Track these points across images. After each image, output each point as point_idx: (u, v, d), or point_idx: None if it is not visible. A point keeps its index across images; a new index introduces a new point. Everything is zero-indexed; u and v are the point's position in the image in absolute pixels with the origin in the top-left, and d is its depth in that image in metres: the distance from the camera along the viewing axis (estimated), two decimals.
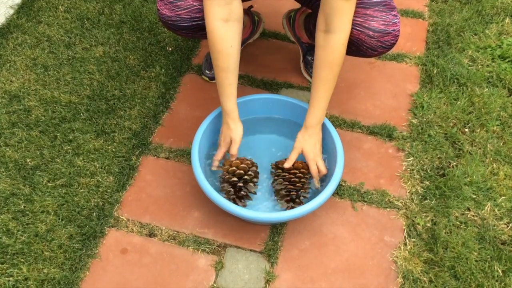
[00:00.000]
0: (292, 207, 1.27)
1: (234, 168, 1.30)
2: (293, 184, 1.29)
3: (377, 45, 1.28)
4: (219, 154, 1.33)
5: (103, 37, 1.85)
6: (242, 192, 1.30)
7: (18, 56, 1.78)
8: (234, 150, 1.31)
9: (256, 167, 1.36)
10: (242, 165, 1.31)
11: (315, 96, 1.26)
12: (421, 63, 1.75)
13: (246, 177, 1.31)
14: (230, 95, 1.28)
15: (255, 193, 1.33)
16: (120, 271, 1.26)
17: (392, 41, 1.28)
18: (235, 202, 1.26)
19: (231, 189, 1.29)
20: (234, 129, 1.30)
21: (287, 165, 1.30)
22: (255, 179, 1.33)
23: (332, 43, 1.19)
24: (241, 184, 1.29)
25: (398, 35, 1.28)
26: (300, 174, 1.31)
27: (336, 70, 1.23)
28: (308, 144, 1.30)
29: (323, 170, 1.30)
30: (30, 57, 1.78)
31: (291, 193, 1.28)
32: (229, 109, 1.29)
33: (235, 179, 1.29)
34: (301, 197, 1.30)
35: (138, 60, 1.76)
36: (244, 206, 1.30)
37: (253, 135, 1.47)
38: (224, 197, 1.27)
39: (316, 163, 1.30)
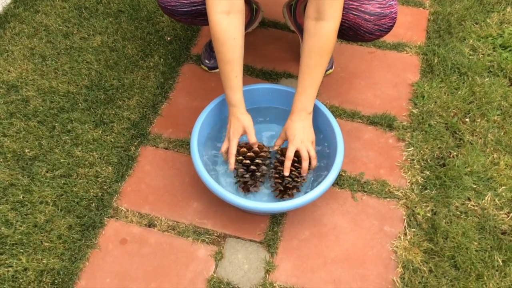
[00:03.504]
0: (281, 197, 1.27)
1: (252, 154, 1.30)
2: (278, 173, 1.29)
3: (374, 28, 1.27)
4: (233, 148, 1.26)
5: (101, 26, 1.83)
6: (252, 181, 1.30)
7: (15, 45, 1.77)
8: (253, 138, 1.28)
9: (267, 151, 1.35)
10: (262, 153, 1.31)
11: (303, 83, 1.25)
12: (421, 52, 1.74)
13: (257, 164, 1.30)
14: (237, 87, 1.27)
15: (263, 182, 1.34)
16: (120, 261, 1.26)
17: (390, 24, 1.27)
18: (247, 189, 1.28)
19: (247, 176, 1.29)
20: (245, 120, 1.28)
21: (272, 149, 1.30)
22: (265, 166, 1.33)
23: (324, 30, 1.18)
24: (257, 174, 1.29)
25: (396, 17, 1.27)
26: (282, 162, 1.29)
27: (326, 57, 1.22)
28: (292, 128, 1.26)
29: (313, 155, 1.26)
30: (27, 46, 1.77)
31: (279, 185, 1.28)
32: (237, 102, 1.28)
33: (253, 167, 1.29)
34: (292, 189, 1.29)
35: (137, 50, 1.75)
36: (256, 190, 1.31)
37: (254, 125, 1.46)
38: (238, 180, 1.30)
39: (300, 149, 1.25)
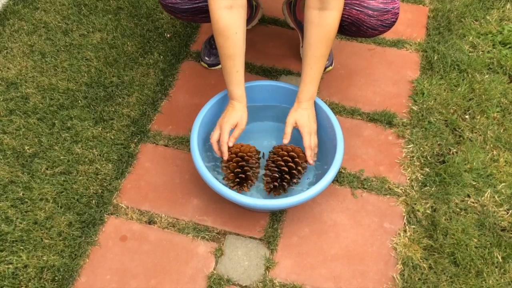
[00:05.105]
0: (275, 193, 1.28)
1: (239, 157, 1.28)
2: (278, 167, 1.28)
3: (377, 24, 1.27)
4: (225, 136, 1.26)
5: (100, 23, 1.83)
6: (244, 182, 1.29)
7: (15, 42, 1.77)
8: (237, 134, 1.28)
9: (259, 154, 1.35)
10: (248, 153, 1.30)
11: (309, 73, 1.26)
12: (421, 49, 1.73)
13: (248, 166, 1.29)
14: (239, 82, 1.27)
15: (256, 180, 1.33)
16: (120, 258, 1.26)
17: (392, 19, 1.27)
18: (237, 189, 1.26)
19: (234, 176, 1.28)
20: (242, 114, 1.28)
21: (286, 140, 1.28)
22: (257, 170, 1.32)
23: (328, 20, 1.19)
24: (243, 175, 1.28)
25: (398, 13, 1.27)
26: (287, 158, 1.28)
27: (330, 46, 1.24)
28: (302, 116, 1.28)
29: (314, 144, 1.29)
30: (27, 43, 1.76)
31: (274, 181, 1.28)
32: (239, 95, 1.28)
33: (238, 169, 1.28)
34: (288, 183, 1.28)
35: (136, 47, 1.75)
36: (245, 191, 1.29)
37: (254, 122, 1.46)
38: (226, 183, 1.27)
39: (310, 137, 1.28)
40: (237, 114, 1.28)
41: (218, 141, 1.28)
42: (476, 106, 1.54)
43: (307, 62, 1.26)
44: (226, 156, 1.27)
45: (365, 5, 1.24)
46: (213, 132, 1.29)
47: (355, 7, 1.24)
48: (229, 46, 1.22)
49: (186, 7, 1.34)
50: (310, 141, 1.28)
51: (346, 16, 1.27)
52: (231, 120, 1.27)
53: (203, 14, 1.37)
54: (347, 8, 1.25)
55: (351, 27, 1.31)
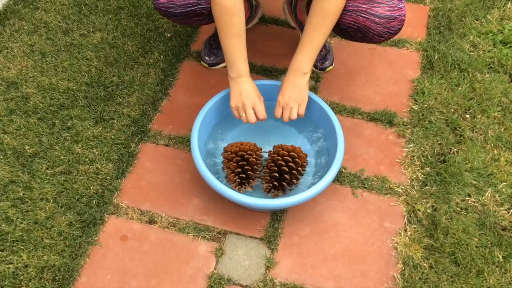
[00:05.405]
0: (274, 194, 1.28)
1: (239, 156, 1.29)
2: (278, 167, 1.28)
3: (383, 31, 1.27)
4: (263, 110, 1.27)
5: (101, 23, 1.83)
6: (245, 181, 1.29)
7: (15, 42, 1.77)
8: (264, 112, 1.29)
9: (260, 151, 1.34)
10: (248, 152, 1.30)
11: (302, 42, 1.27)
12: (422, 48, 1.73)
13: (249, 165, 1.29)
14: (246, 58, 1.28)
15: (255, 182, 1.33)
16: (120, 258, 1.26)
17: (399, 26, 1.27)
18: (239, 189, 1.27)
19: (235, 176, 1.28)
20: (256, 88, 1.30)
21: (275, 113, 1.30)
22: (258, 167, 1.32)
23: None
24: (243, 175, 1.28)
25: (404, 20, 1.27)
26: (287, 158, 1.28)
27: (329, 19, 1.22)
28: (283, 85, 1.29)
29: (286, 118, 1.28)
30: (27, 43, 1.76)
31: (274, 181, 1.28)
32: (247, 71, 1.29)
33: (239, 169, 1.28)
34: (288, 184, 1.28)
35: (137, 47, 1.75)
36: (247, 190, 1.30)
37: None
38: (228, 184, 1.28)
39: (287, 106, 1.28)
40: (254, 88, 1.29)
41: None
42: (476, 106, 1.54)
43: (302, 32, 1.27)
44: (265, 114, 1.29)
45: (372, 12, 1.24)
46: (243, 113, 1.28)
47: (361, 14, 1.24)
48: (236, 23, 1.23)
49: (179, 11, 1.34)
50: (279, 112, 1.29)
51: (353, 22, 1.26)
52: (256, 94, 1.29)
53: (197, 17, 1.37)
54: (353, 15, 1.25)
55: (357, 33, 1.31)
